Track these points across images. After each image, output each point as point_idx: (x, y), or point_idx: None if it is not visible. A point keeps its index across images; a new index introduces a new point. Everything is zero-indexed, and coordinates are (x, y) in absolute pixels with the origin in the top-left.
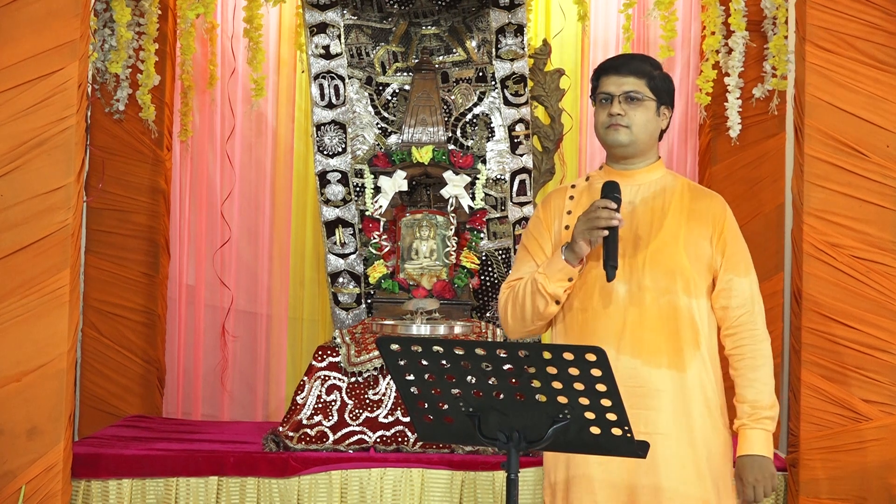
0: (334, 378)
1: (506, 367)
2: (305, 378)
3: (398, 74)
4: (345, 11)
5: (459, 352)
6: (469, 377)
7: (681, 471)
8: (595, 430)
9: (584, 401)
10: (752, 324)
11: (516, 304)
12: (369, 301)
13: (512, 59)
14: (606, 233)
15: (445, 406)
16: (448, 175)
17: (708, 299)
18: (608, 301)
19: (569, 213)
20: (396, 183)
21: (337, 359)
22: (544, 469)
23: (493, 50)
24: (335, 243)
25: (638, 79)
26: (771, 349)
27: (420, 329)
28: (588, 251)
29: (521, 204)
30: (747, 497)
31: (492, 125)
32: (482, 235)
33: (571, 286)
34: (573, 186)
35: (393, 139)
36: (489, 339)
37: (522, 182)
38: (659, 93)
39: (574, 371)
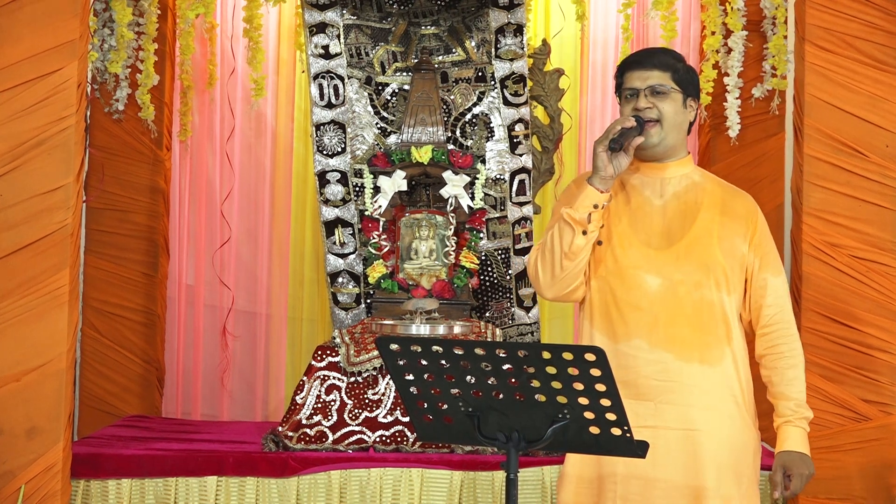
0: (334, 378)
1: (505, 366)
2: (305, 378)
3: (398, 74)
4: (344, 11)
5: (459, 352)
6: (468, 377)
7: (707, 466)
8: (594, 429)
9: (584, 400)
10: (787, 322)
11: (545, 251)
12: (369, 301)
13: (511, 59)
14: (618, 129)
15: (445, 406)
16: (447, 175)
17: (739, 296)
18: (642, 294)
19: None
20: (396, 183)
21: (336, 359)
22: (566, 461)
23: (493, 50)
24: (335, 243)
25: (662, 72)
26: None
27: (419, 329)
28: (608, 166)
29: (521, 204)
30: (794, 488)
31: (491, 125)
32: (481, 235)
33: (599, 216)
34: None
35: (392, 139)
36: (488, 339)
37: (522, 182)
38: (684, 85)
39: (573, 371)
